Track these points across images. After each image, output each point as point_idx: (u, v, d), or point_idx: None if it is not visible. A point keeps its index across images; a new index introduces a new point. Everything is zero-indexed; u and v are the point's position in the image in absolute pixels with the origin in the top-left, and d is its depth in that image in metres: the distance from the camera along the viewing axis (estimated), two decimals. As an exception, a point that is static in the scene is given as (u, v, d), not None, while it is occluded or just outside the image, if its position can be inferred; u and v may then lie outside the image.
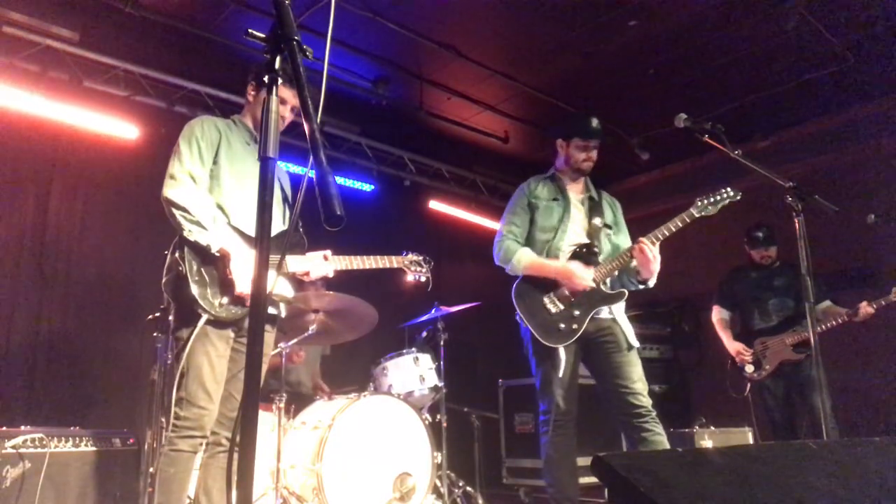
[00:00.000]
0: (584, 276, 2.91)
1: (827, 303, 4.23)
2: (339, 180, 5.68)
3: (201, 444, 2.28)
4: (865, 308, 3.98)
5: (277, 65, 1.31)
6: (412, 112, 5.55)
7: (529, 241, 3.14)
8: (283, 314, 2.58)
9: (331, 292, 3.49)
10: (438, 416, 3.97)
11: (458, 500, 4.01)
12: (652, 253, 2.85)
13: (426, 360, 3.97)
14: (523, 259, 3.04)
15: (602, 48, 4.82)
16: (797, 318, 4.15)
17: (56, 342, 4.14)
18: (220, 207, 2.41)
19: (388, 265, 2.86)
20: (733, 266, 4.61)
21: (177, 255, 2.28)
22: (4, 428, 2.92)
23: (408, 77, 5.18)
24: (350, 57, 4.85)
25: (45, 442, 2.92)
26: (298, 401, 3.78)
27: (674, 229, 2.89)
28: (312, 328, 3.48)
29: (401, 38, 4.64)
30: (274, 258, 2.38)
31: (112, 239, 4.43)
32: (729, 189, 2.92)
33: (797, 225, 2.64)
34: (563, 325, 2.91)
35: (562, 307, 2.94)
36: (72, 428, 3.15)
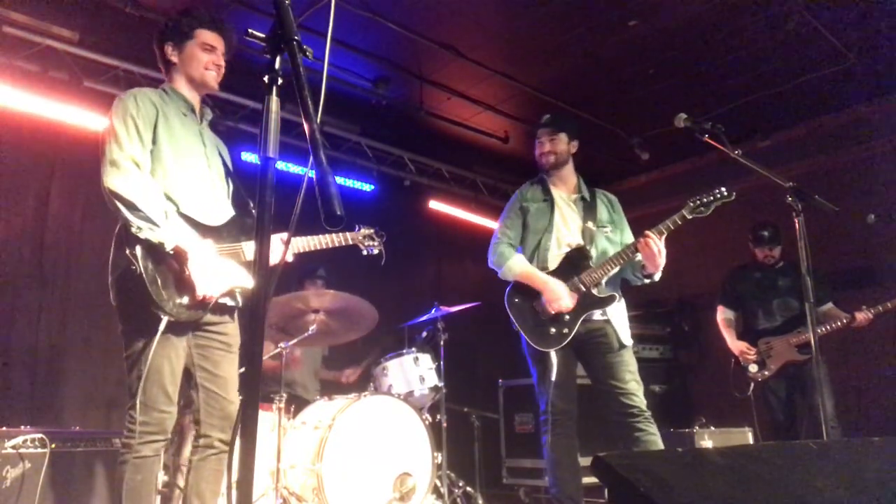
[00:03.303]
0: (565, 304, 2.92)
1: (829, 304, 4.22)
2: (339, 180, 5.68)
3: (164, 446, 2.19)
4: (862, 315, 3.99)
5: (277, 65, 1.31)
6: (412, 112, 5.55)
7: (523, 243, 3.21)
8: (241, 304, 2.41)
9: (331, 291, 3.49)
10: (438, 416, 3.97)
11: (458, 500, 4.01)
12: (657, 246, 2.86)
13: (426, 360, 3.97)
14: (514, 266, 3.11)
15: (602, 48, 4.82)
16: (801, 318, 4.12)
17: (56, 342, 4.14)
18: (166, 195, 2.23)
19: (342, 242, 2.76)
20: (737, 265, 4.58)
21: (126, 251, 2.11)
22: (4, 428, 2.93)
23: (408, 77, 5.18)
24: (350, 57, 4.85)
25: (45, 442, 2.93)
26: (298, 402, 3.78)
27: (672, 227, 2.89)
28: (312, 328, 3.48)
29: (401, 38, 4.63)
30: (230, 246, 2.32)
31: (112, 239, 4.42)
32: (723, 189, 2.90)
33: (797, 225, 2.65)
34: (553, 330, 2.95)
35: (552, 312, 2.96)
36: (72, 428, 3.15)
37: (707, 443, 4.33)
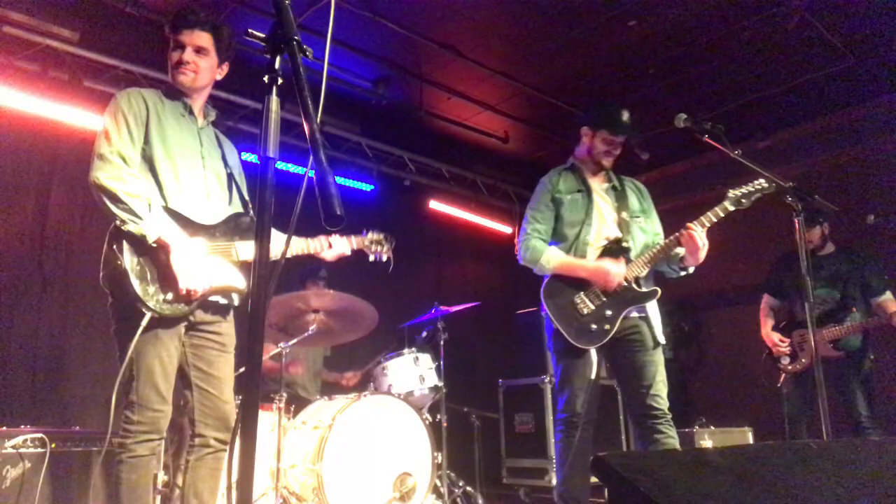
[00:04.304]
0: (618, 273, 2.83)
1: (886, 295, 3.98)
2: (339, 180, 5.68)
3: (159, 445, 2.20)
4: None
5: (277, 65, 1.30)
6: (412, 112, 5.55)
7: (556, 237, 3.05)
8: (237, 303, 2.39)
9: (331, 292, 3.49)
10: (438, 416, 3.97)
11: (458, 500, 4.01)
12: (702, 240, 2.77)
13: (426, 360, 3.97)
14: (552, 259, 2.94)
15: (602, 48, 4.82)
16: (839, 311, 3.93)
17: (56, 342, 4.14)
18: (155, 192, 2.23)
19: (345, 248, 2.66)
20: (784, 252, 4.30)
21: (114, 246, 2.11)
22: (4, 428, 2.93)
23: (408, 77, 5.18)
24: (350, 57, 4.85)
25: (44, 442, 2.93)
26: (298, 402, 3.78)
27: (713, 219, 2.81)
28: (312, 328, 3.48)
29: (401, 38, 4.63)
30: (222, 245, 2.30)
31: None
32: (762, 181, 2.79)
33: (797, 225, 2.64)
34: (595, 326, 2.84)
35: (593, 307, 2.85)
36: (72, 428, 3.15)
37: (707, 443, 4.33)
